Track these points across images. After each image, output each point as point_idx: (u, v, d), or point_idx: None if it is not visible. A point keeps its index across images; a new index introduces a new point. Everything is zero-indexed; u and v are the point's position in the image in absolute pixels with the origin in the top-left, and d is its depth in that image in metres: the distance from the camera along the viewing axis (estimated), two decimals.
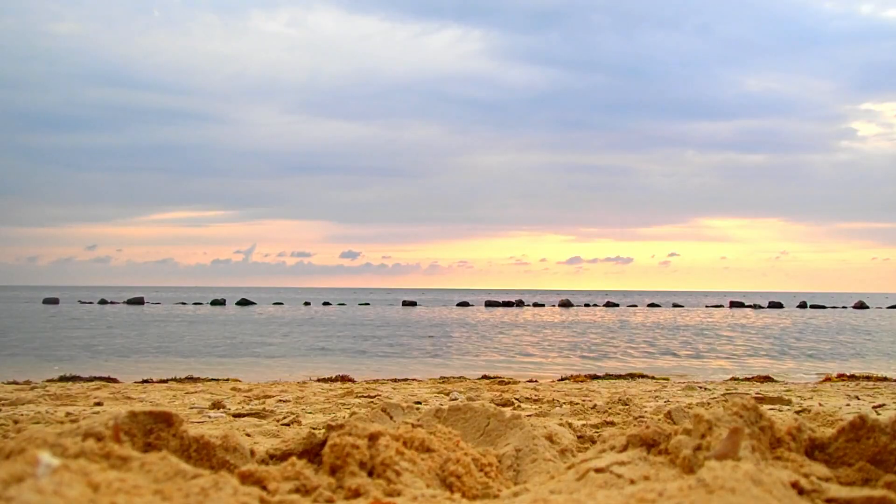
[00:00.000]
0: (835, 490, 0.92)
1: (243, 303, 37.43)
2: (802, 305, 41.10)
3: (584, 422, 2.50)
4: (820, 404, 3.65)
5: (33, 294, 52.79)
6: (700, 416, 1.03)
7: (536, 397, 3.93)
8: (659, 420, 2.33)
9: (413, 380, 5.75)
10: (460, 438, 1.24)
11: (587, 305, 41.30)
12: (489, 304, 39.63)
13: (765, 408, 1.36)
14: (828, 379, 6.32)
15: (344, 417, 2.81)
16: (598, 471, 0.99)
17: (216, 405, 3.48)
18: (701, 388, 5.16)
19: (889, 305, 41.76)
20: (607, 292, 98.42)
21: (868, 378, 6.24)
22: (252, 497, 0.83)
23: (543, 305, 40.43)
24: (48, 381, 5.78)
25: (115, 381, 5.91)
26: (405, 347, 9.74)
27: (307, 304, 40.16)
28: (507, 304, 39.73)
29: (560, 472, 1.08)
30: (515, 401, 3.65)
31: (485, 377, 6.60)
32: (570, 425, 2.27)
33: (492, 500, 1.08)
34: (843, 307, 39.77)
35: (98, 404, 3.73)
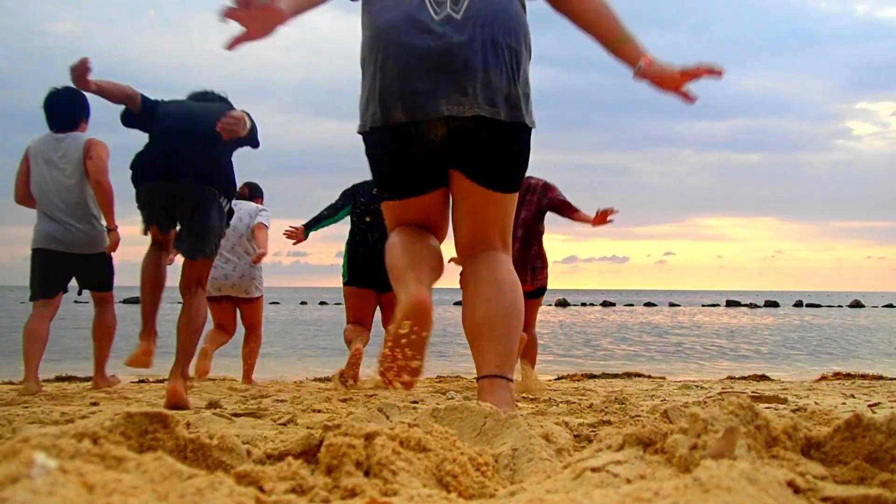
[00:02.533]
0: (830, 489, 0.92)
1: None
2: (798, 304, 41.20)
3: (580, 421, 2.50)
4: (816, 403, 3.67)
5: (29, 294, 52.61)
6: (696, 416, 1.04)
7: (533, 396, 3.93)
8: (655, 419, 2.33)
9: None
10: (457, 438, 1.24)
11: (583, 305, 41.34)
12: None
13: (761, 406, 1.36)
14: (823, 377, 6.33)
15: (341, 417, 2.81)
16: (594, 470, 0.99)
17: (212, 405, 3.47)
18: (697, 386, 5.17)
19: (885, 304, 41.86)
20: (603, 291, 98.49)
21: (864, 377, 6.25)
22: (248, 497, 0.83)
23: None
24: (44, 380, 5.77)
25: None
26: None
27: (304, 303, 40.10)
28: None
29: (556, 471, 1.08)
30: None
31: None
32: (566, 424, 2.28)
33: (488, 499, 1.09)
34: (839, 306, 39.86)
35: (94, 404, 3.73)
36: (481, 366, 2.00)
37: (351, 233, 4.81)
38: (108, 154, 4.26)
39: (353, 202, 4.75)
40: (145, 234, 3.51)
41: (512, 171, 2.13)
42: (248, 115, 3.45)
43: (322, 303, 40.32)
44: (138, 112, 3.45)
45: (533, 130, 2.11)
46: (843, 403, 3.72)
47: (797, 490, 0.89)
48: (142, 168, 3.34)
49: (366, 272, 4.55)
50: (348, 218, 4.90)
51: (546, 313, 28.96)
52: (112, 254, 4.44)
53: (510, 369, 1.99)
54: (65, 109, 4.28)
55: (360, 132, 2.15)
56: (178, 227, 3.50)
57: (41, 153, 4.26)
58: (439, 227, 2.29)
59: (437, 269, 2.19)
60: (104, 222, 4.33)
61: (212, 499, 0.80)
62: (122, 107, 3.50)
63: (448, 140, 2.02)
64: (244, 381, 5.36)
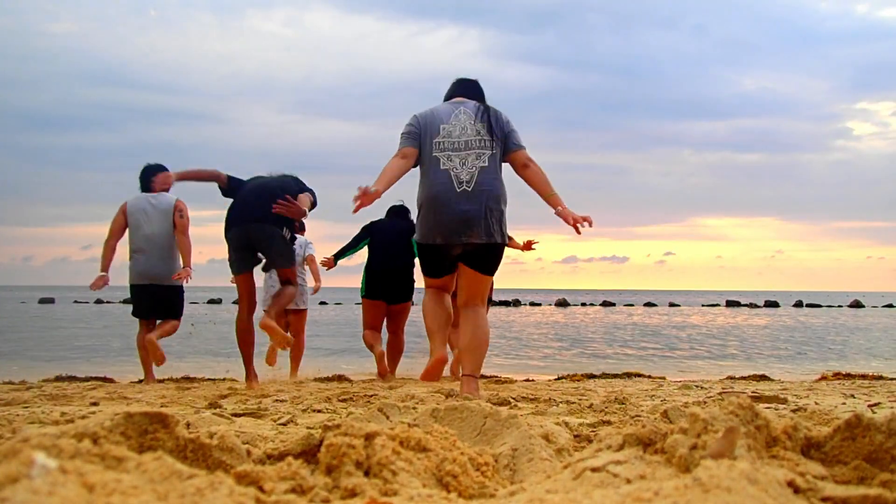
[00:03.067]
0: (830, 489, 0.92)
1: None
2: (798, 304, 41.16)
3: (580, 421, 2.50)
4: (816, 403, 3.66)
5: (29, 294, 52.67)
6: (696, 416, 1.04)
7: (533, 396, 3.93)
8: (655, 419, 2.33)
9: (409, 379, 5.75)
10: (457, 438, 1.24)
11: (584, 305, 41.31)
12: None
13: (761, 406, 1.36)
14: (823, 378, 6.33)
15: (341, 417, 2.81)
16: (594, 470, 0.99)
17: (213, 405, 3.47)
18: (697, 386, 5.17)
19: (885, 304, 41.85)
20: (603, 291, 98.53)
21: (864, 377, 6.25)
22: (248, 497, 0.83)
23: (540, 304, 40.46)
24: (44, 380, 5.77)
25: (111, 381, 5.89)
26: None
27: None
28: (504, 303, 39.73)
29: (556, 471, 1.08)
30: (512, 400, 3.66)
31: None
32: (566, 424, 2.28)
33: (488, 499, 1.09)
34: (839, 306, 39.82)
35: (94, 404, 3.73)
36: (464, 369, 3.98)
37: (368, 259, 6.22)
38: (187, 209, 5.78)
39: (371, 236, 6.18)
40: (234, 282, 5.17)
41: (493, 266, 4.01)
42: (312, 193, 5.11)
43: (322, 303, 40.28)
44: (227, 187, 5.05)
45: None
46: (843, 403, 3.72)
47: (797, 490, 0.89)
48: (228, 220, 4.90)
49: (379, 289, 6.07)
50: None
51: (547, 313, 28.97)
52: (183, 286, 5.79)
53: (478, 372, 3.97)
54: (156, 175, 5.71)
55: (417, 241, 4.07)
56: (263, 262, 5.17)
57: (138, 208, 5.66)
58: (449, 287, 4.21)
59: (449, 321, 4.17)
60: (180, 261, 5.69)
61: (212, 499, 0.80)
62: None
63: (461, 252, 3.91)
64: (291, 376, 6.56)
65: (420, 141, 3.92)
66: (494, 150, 3.90)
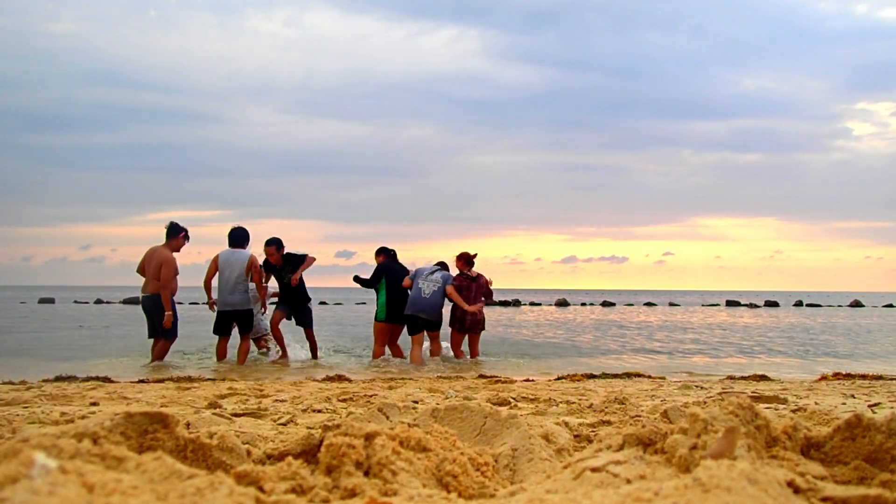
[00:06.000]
0: (830, 489, 0.92)
1: None
2: (798, 304, 41.16)
3: (580, 421, 2.50)
4: (816, 403, 3.66)
5: (28, 294, 52.64)
6: (696, 416, 1.04)
7: (533, 396, 3.93)
8: (655, 419, 2.33)
9: (409, 379, 5.75)
10: (457, 438, 1.24)
11: (584, 304, 41.30)
12: (485, 303, 39.54)
13: (761, 406, 1.36)
14: (824, 378, 6.33)
15: (341, 417, 2.81)
16: (594, 470, 0.99)
17: (213, 405, 3.47)
18: (697, 386, 5.17)
19: (884, 304, 41.86)
20: (603, 291, 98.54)
21: (864, 377, 6.25)
22: (248, 497, 0.83)
23: (540, 305, 40.42)
24: (44, 380, 5.76)
25: (110, 380, 5.89)
26: (401, 347, 9.77)
27: None
28: (504, 303, 39.70)
29: (556, 471, 1.08)
30: (512, 400, 3.65)
31: (481, 376, 6.60)
32: (566, 424, 2.28)
33: (488, 499, 1.08)
34: (839, 306, 39.83)
35: (94, 404, 3.73)
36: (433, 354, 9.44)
37: (386, 293, 9.20)
38: (258, 262, 8.62)
39: (386, 275, 9.24)
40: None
41: (437, 327, 9.35)
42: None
43: (322, 303, 40.26)
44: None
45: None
46: (843, 403, 3.72)
47: (797, 490, 0.89)
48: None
49: (396, 316, 9.21)
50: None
51: (549, 313, 28.97)
52: (254, 309, 8.84)
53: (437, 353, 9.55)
54: (239, 237, 8.61)
55: (405, 314, 9.12)
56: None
57: (225, 259, 8.44)
58: (420, 342, 9.19)
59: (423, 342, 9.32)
60: (250, 292, 8.69)
61: (212, 499, 0.80)
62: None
63: (422, 322, 9.10)
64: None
65: (413, 279, 9.07)
66: (442, 285, 9.03)
